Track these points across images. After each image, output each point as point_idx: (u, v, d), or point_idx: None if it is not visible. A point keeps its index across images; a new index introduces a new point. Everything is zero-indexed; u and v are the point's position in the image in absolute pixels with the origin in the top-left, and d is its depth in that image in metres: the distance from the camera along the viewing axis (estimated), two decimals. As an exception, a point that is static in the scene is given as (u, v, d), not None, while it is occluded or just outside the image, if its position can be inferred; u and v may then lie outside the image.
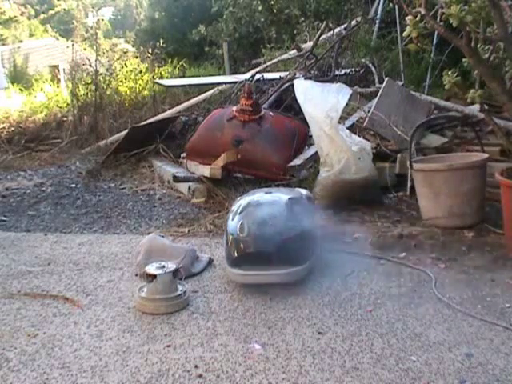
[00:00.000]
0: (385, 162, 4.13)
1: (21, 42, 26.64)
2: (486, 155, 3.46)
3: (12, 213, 4.18)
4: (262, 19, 10.00)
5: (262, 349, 2.07)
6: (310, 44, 7.07)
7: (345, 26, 7.05)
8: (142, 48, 8.76)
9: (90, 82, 7.10)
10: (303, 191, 3.18)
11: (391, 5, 7.13)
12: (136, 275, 2.82)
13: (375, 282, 2.64)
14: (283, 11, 9.93)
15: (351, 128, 4.43)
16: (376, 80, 5.70)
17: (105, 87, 7.14)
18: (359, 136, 4.21)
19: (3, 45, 23.38)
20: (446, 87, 3.09)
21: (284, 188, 3.72)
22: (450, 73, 3.04)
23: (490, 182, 3.35)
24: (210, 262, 2.97)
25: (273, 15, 9.96)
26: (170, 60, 9.60)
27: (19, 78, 13.85)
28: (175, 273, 2.48)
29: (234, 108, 4.56)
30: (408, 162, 3.51)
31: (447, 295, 2.45)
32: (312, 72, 6.13)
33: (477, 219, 3.31)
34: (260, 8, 10.02)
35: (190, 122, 5.69)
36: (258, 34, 10.08)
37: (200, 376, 1.91)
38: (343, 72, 6.18)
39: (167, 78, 8.36)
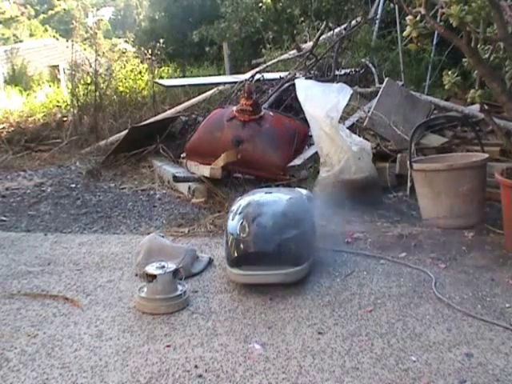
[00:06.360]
0: (385, 162, 4.14)
1: (21, 41, 26.65)
2: (485, 155, 3.46)
3: (12, 213, 4.18)
4: (262, 19, 9.99)
5: (261, 349, 2.07)
6: (310, 44, 7.07)
7: (345, 26, 7.05)
8: (142, 48, 8.75)
9: (89, 82, 7.10)
10: (303, 191, 3.18)
11: (391, 5, 7.14)
12: (136, 275, 2.82)
13: (375, 282, 2.64)
14: (285, 10, 9.92)
15: (351, 128, 4.43)
16: (376, 80, 5.71)
17: (104, 87, 7.14)
18: (359, 136, 4.21)
19: (3, 44, 23.37)
20: (446, 87, 3.10)
21: (284, 188, 3.72)
22: (449, 73, 3.05)
23: (490, 182, 3.35)
24: (210, 262, 2.97)
25: (276, 14, 9.94)
26: (170, 60, 9.59)
27: (18, 78, 13.84)
28: (175, 273, 2.48)
29: (234, 108, 4.56)
30: (408, 162, 3.51)
31: (447, 295, 2.45)
32: (312, 72, 6.13)
33: (477, 219, 3.31)
34: (262, 7, 10.01)
35: (189, 122, 5.69)
36: (260, 34, 10.07)
37: (200, 376, 1.91)
38: (343, 72, 6.18)
39: (167, 78, 8.37)
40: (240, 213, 2.71)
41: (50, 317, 2.41)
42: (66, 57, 9.08)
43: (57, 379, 1.93)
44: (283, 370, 1.93)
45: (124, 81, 7.58)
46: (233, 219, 2.71)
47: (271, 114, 4.61)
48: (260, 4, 10.20)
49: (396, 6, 6.34)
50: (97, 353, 2.09)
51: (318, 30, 7.54)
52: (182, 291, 2.47)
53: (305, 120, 4.13)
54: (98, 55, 7.37)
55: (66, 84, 9.97)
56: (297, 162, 4.28)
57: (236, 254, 2.60)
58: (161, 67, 8.63)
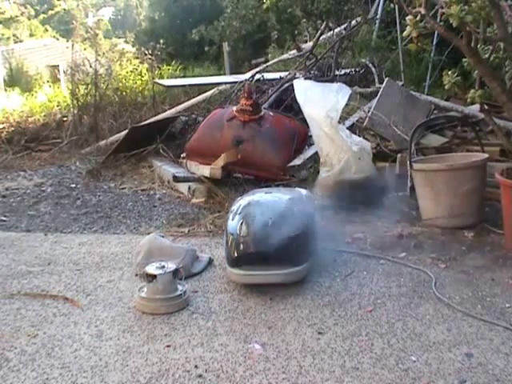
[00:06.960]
0: (385, 162, 4.14)
1: (21, 41, 26.66)
2: (485, 155, 3.46)
3: (12, 213, 4.18)
4: (271, 18, 9.99)
5: (261, 349, 2.07)
6: (310, 44, 7.07)
7: (345, 26, 7.05)
8: (142, 48, 8.76)
9: (89, 82, 7.10)
10: (303, 191, 3.18)
11: (391, 5, 7.15)
12: (136, 275, 2.82)
13: (375, 282, 2.64)
14: (286, 10, 9.92)
15: (351, 128, 4.43)
16: (376, 80, 5.71)
17: (104, 87, 7.15)
18: (359, 136, 4.21)
19: (3, 45, 23.37)
20: (446, 87, 3.10)
21: (284, 188, 3.72)
22: (450, 73, 3.05)
23: (490, 182, 3.35)
24: (210, 262, 2.97)
25: (277, 14, 9.95)
26: (170, 61, 9.60)
27: (17, 80, 13.83)
28: (175, 273, 2.48)
29: (234, 108, 4.56)
30: (408, 162, 3.51)
31: (447, 295, 2.46)
32: (312, 72, 6.13)
33: (477, 219, 3.31)
34: (263, 6, 10.02)
35: (190, 122, 5.69)
36: (261, 33, 10.08)
37: (200, 376, 1.91)
38: (343, 72, 6.19)
39: (167, 78, 8.37)
40: (240, 213, 2.71)
41: (50, 317, 2.41)
42: (66, 57, 9.09)
43: (57, 379, 1.93)
44: (283, 370, 1.93)
45: (124, 81, 7.58)
46: (233, 219, 2.71)
47: (271, 114, 4.62)
48: (262, 2, 10.21)
49: (396, 6, 6.35)
50: (97, 353, 2.09)
51: (318, 30, 7.54)
52: (182, 291, 2.47)
53: (305, 120, 4.13)
54: (98, 55, 7.37)
55: (65, 84, 9.96)
56: (297, 162, 4.29)
57: (236, 254, 2.60)
58: (161, 67, 8.63)
